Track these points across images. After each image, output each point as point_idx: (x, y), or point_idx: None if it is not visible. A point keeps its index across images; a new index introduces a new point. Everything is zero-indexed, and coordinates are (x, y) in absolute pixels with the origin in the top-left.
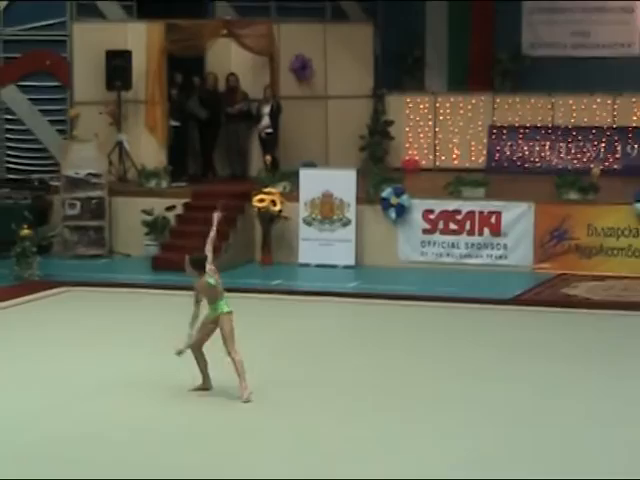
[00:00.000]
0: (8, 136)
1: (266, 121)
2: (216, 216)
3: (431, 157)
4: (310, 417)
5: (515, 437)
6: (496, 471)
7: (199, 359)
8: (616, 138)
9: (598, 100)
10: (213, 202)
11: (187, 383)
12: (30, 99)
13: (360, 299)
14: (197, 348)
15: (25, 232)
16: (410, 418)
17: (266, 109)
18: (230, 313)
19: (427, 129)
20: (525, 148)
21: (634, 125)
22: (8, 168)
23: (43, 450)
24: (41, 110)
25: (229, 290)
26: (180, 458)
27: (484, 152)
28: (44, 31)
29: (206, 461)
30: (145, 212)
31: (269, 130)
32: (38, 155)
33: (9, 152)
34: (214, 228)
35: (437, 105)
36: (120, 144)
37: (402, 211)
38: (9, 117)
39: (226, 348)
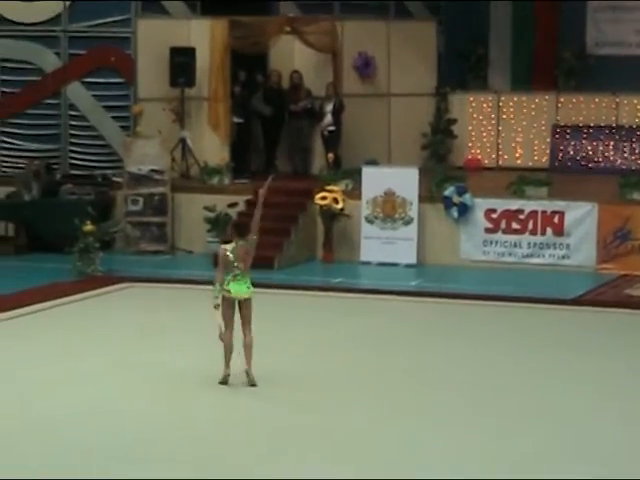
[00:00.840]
0: (72, 132)
1: (328, 119)
2: (261, 193)
3: (494, 156)
4: (365, 412)
5: (574, 436)
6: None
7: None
8: None
9: None
10: (276, 199)
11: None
12: (94, 95)
13: (422, 298)
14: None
15: (88, 228)
16: (475, 411)
17: (329, 107)
18: (225, 290)
19: (490, 128)
20: (589, 148)
21: None
22: (72, 164)
23: (110, 448)
24: (105, 106)
25: (291, 287)
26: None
27: (547, 151)
28: (109, 28)
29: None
30: (207, 209)
31: (331, 128)
32: (101, 151)
33: (73, 148)
34: (259, 205)
35: (500, 104)
36: (183, 141)
37: (464, 210)
38: (73, 113)
39: (247, 329)
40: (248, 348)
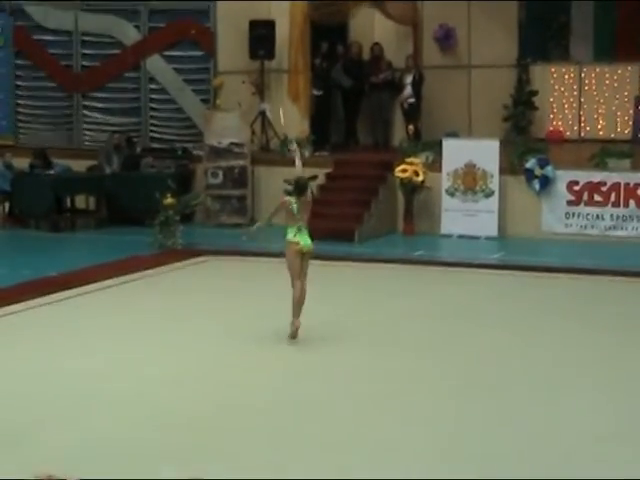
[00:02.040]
0: (152, 105)
1: (408, 91)
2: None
3: (576, 128)
4: (447, 386)
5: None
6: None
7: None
8: None
9: None
10: (356, 171)
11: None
12: (174, 69)
13: (503, 270)
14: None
15: (168, 201)
16: (559, 385)
17: (408, 79)
18: (293, 243)
19: (572, 99)
20: None
21: None
22: (152, 137)
23: (185, 418)
24: (185, 80)
25: (371, 260)
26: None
27: (630, 123)
28: (189, 1)
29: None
30: (287, 181)
31: (411, 100)
32: (182, 124)
33: (153, 121)
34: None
35: (582, 75)
36: (263, 113)
37: (546, 182)
38: (153, 87)
39: (303, 280)
40: (299, 302)
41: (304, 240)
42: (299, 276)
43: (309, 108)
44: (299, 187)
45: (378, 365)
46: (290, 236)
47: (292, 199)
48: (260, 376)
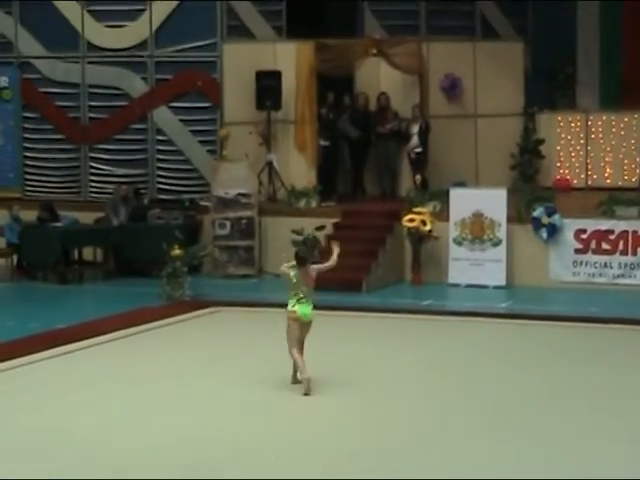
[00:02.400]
0: (159, 157)
1: (415, 141)
2: (336, 250)
3: (583, 176)
4: (443, 433)
5: None
6: None
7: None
8: None
9: None
10: (363, 221)
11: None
12: (181, 120)
13: (512, 320)
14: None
15: (176, 252)
16: (555, 441)
17: (415, 128)
18: (291, 312)
19: (579, 148)
20: None
21: None
22: (159, 188)
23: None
24: (192, 130)
25: (379, 310)
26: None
27: (637, 171)
28: (195, 52)
29: None
30: (295, 232)
31: (418, 149)
32: (189, 175)
33: (160, 173)
34: (335, 257)
35: (589, 123)
36: (270, 164)
37: (554, 231)
38: (160, 138)
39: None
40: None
41: (303, 310)
42: (295, 344)
43: (316, 158)
44: (298, 258)
45: (392, 414)
46: (289, 306)
47: (291, 271)
48: (275, 425)
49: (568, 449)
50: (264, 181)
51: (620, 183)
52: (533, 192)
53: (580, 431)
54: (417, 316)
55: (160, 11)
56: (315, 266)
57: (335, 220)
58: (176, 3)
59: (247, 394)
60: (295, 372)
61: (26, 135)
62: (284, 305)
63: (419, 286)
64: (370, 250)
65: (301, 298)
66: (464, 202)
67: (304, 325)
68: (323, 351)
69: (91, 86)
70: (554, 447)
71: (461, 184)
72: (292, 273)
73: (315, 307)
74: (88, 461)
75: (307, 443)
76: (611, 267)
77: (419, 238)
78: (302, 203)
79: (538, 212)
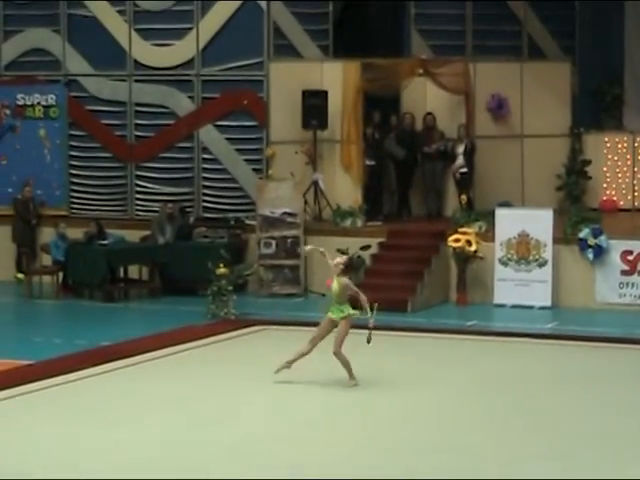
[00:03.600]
0: (205, 175)
1: (460, 161)
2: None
3: (629, 197)
4: (501, 456)
5: None
6: None
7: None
8: None
9: None
10: (409, 241)
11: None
12: (227, 139)
13: (557, 340)
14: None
15: (221, 271)
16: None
17: (460, 148)
18: (353, 315)
19: (625, 169)
20: None
21: None
22: (205, 207)
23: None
24: (237, 149)
25: (425, 330)
26: None
27: None
28: (241, 71)
29: None
30: (340, 251)
31: (463, 170)
32: (234, 194)
33: (206, 191)
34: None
35: (636, 144)
36: (315, 183)
37: (600, 252)
38: (206, 157)
39: (336, 346)
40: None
41: (333, 312)
42: (315, 338)
43: (362, 178)
44: (351, 265)
45: (447, 441)
46: (349, 310)
47: (334, 281)
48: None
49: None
50: (310, 200)
51: None
52: (579, 213)
53: (627, 454)
54: (462, 336)
55: (207, 30)
56: (351, 284)
57: (380, 240)
58: (223, 22)
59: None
60: (349, 372)
61: (72, 153)
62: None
63: (464, 306)
64: (415, 270)
65: (334, 303)
66: (510, 222)
67: (337, 323)
68: (368, 370)
69: (137, 104)
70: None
71: (507, 204)
72: (334, 283)
73: (359, 327)
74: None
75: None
76: None
77: (464, 258)
78: (348, 222)
79: (584, 233)
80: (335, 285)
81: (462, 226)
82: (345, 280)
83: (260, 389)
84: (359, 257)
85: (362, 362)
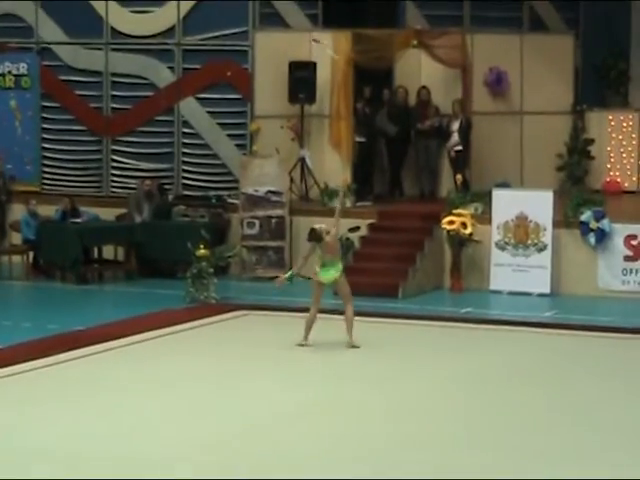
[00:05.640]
0: (185, 151)
1: (455, 138)
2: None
3: (634, 179)
4: (501, 452)
5: None
6: None
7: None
8: None
9: None
10: (400, 223)
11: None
12: (209, 112)
13: (557, 329)
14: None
15: (202, 252)
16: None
17: (455, 125)
18: (314, 274)
19: (630, 149)
20: None
21: None
22: (185, 185)
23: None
24: (220, 124)
25: (416, 317)
26: None
27: None
28: (225, 41)
29: None
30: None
31: (458, 148)
32: (216, 171)
33: (186, 167)
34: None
35: None
36: (302, 160)
37: (602, 236)
38: (187, 131)
39: (347, 304)
40: (349, 321)
41: (324, 273)
42: (314, 303)
43: (351, 155)
44: (313, 237)
45: (438, 435)
46: (316, 268)
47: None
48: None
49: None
50: (296, 179)
51: None
52: (581, 195)
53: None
54: (456, 324)
55: None
56: (328, 237)
57: (370, 221)
58: None
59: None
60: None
61: (45, 125)
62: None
63: (459, 293)
64: (407, 254)
65: (325, 263)
66: (508, 204)
67: (335, 284)
68: (359, 362)
69: (114, 75)
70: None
71: (505, 185)
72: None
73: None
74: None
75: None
76: None
77: (459, 242)
78: (336, 202)
79: (586, 216)
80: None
81: (457, 207)
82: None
83: (240, 379)
84: (347, 239)
85: (349, 351)
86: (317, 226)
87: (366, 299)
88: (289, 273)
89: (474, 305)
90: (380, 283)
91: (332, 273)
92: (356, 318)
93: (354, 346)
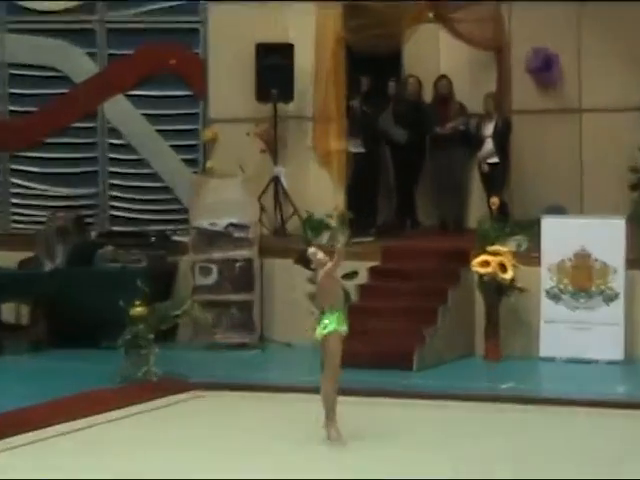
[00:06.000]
0: (113, 170)
1: (489, 146)
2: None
3: None
4: None
5: None
6: None
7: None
8: None
9: None
10: (414, 265)
11: None
12: (145, 115)
13: (631, 410)
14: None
15: (138, 311)
16: None
17: (488, 129)
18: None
19: None
20: None
21: None
22: (114, 216)
23: None
24: (161, 131)
25: (437, 397)
26: None
27: None
28: (167, 15)
29: None
30: (313, 282)
31: (494, 159)
32: (157, 197)
33: (115, 193)
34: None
35: None
36: (276, 181)
37: None
38: (115, 142)
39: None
40: (324, 399)
41: (318, 325)
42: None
43: (345, 172)
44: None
45: None
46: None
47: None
48: None
49: None
50: (268, 206)
51: None
52: None
53: None
54: (493, 405)
55: None
56: (321, 272)
57: (372, 264)
58: None
59: None
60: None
61: None
62: (296, 390)
63: (496, 361)
64: (424, 309)
65: (323, 313)
66: (563, 237)
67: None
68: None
69: (12, 66)
70: None
71: (558, 210)
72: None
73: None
74: None
75: None
76: None
77: (497, 290)
78: (324, 238)
79: None
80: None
81: (493, 243)
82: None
83: None
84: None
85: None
86: (312, 249)
87: (368, 372)
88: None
89: (517, 379)
90: (386, 349)
91: (320, 327)
92: (351, 399)
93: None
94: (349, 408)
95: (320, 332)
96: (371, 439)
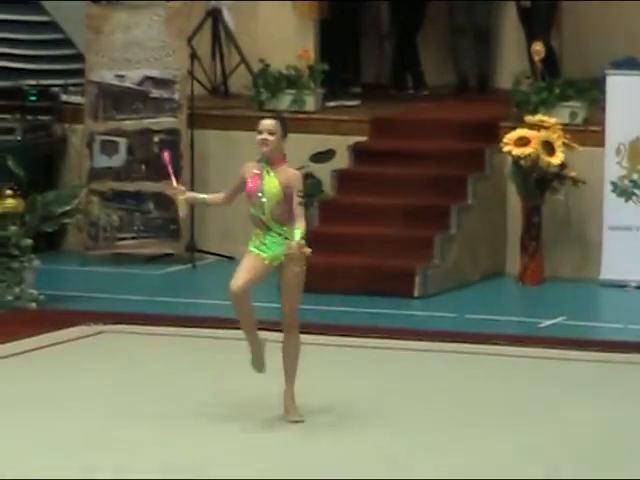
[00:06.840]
0: None
1: None
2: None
3: None
4: None
5: None
6: None
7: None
8: None
9: None
10: (417, 144)
11: None
12: None
13: None
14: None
15: (8, 204)
16: None
17: None
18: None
19: None
20: None
21: None
22: None
23: None
24: None
25: (446, 336)
26: None
27: None
28: None
29: None
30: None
31: None
32: (38, 38)
33: None
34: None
35: None
36: (215, 13)
37: None
38: None
39: (284, 307)
40: (286, 357)
41: (267, 250)
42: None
43: (318, 8)
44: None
45: None
46: (250, 246)
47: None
48: None
49: None
50: (203, 53)
51: None
52: None
53: None
54: (527, 350)
55: None
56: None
57: (357, 139)
58: None
59: None
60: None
61: None
62: (228, 323)
63: (536, 285)
64: (431, 208)
65: (269, 228)
66: (638, 104)
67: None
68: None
69: None
70: None
71: (630, 63)
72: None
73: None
74: None
75: None
76: None
77: (539, 181)
78: (286, 101)
79: None
80: (269, 184)
81: (535, 112)
82: (293, 172)
83: None
84: (308, 176)
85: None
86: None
87: (347, 300)
88: (202, 196)
89: (568, 311)
90: (379, 266)
91: (277, 248)
92: (330, 340)
93: (296, 420)
94: (323, 350)
95: (275, 251)
96: (355, 388)
